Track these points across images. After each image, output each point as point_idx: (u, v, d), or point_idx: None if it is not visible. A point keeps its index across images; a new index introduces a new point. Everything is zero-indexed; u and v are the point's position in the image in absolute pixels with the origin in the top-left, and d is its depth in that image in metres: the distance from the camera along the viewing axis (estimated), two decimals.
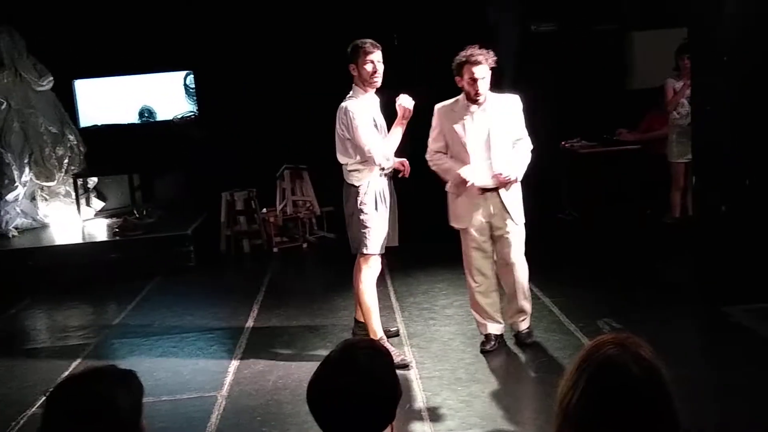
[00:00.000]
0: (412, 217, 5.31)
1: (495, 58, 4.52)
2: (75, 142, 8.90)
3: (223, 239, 8.33)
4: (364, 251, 4.72)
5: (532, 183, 5.00)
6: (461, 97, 4.65)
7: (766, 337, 4.82)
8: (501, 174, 4.54)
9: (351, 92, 4.69)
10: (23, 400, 4.62)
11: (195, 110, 9.42)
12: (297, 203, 8.42)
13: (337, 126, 4.66)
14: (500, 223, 4.69)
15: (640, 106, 8.20)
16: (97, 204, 9.20)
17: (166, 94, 9.44)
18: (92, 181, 9.13)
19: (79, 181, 8.80)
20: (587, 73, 8.47)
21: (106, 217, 8.93)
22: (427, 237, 6.47)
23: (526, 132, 4.76)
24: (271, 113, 8.99)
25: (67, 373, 4.84)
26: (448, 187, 4.77)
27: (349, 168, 4.69)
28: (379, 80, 4.61)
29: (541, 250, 6.82)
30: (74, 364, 5.16)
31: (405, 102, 4.65)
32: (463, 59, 4.51)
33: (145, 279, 7.21)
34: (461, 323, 5.43)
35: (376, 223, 4.68)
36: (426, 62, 7.96)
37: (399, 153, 4.84)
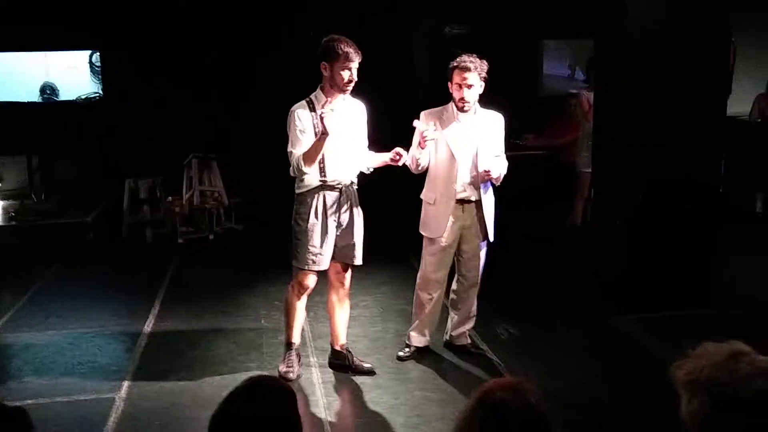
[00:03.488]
0: None
1: (486, 68, 4.49)
2: None
3: (126, 227, 8.14)
4: (293, 264, 4.52)
5: None
6: (449, 105, 4.59)
7: (647, 346, 5.10)
8: (488, 170, 4.46)
9: (314, 93, 4.38)
10: None
11: (100, 91, 9.11)
12: (205, 193, 8.29)
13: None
14: (472, 239, 4.70)
15: (546, 113, 8.46)
16: None
17: (71, 72, 9.09)
18: None
19: None
20: (499, 78, 8.64)
21: (2, 199, 8.57)
22: None
23: (503, 150, 4.74)
24: (179, 99, 8.82)
25: None
26: (423, 194, 4.72)
27: (293, 174, 4.42)
28: (351, 87, 4.32)
29: None
30: None
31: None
32: (455, 64, 4.48)
33: (42, 267, 6.98)
34: (365, 325, 5.51)
35: (307, 237, 4.40)
36: None
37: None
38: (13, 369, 4.94)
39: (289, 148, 4.32)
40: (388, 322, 5.60)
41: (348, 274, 4.66)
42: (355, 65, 4.27)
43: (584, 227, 7.40)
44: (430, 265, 4.76)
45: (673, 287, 5.56)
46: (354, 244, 4.54)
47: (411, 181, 5.00)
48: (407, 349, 4.93)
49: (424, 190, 4.73)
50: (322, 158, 4.31)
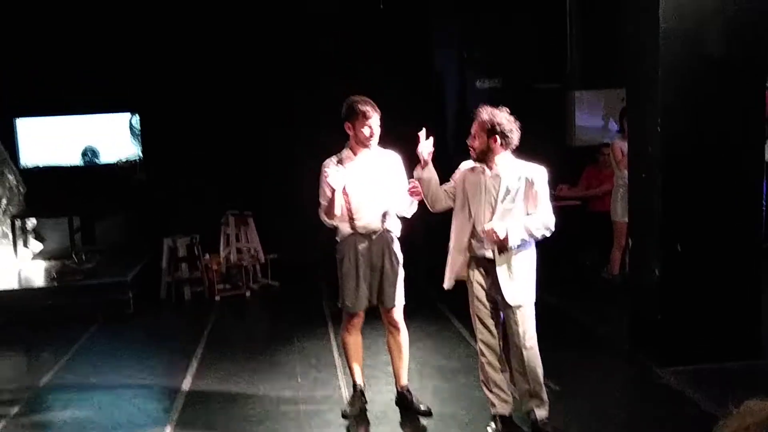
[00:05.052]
0: None
1: (495, 119, 4.15)
2: (14, 183, 8.75)
3: (164, 286, 8.22)
4: (338, 304, 4.85)
5: None
6: None
7: (692, 399, 4.96)
8: (490, 230, 4.05)
9: (343, 149, 4.65)
10: None
11: (139, 154, 9.34)
12: (241, 250, 8.38)
13: None
14: (501, 300, 4.26)
15: (579, 163, 8.43)
16: (36, 246, 9.01)
17: (111, 135, 9.35)
18: (31, 222, 8.96)
19: (18, 223, 8.63)
20: (529, 129, 8.68)
21: (45, 260, 8.75)
22: None
23: (548, 207, 4.24)
24: (216, 158, 9.00)
25: None
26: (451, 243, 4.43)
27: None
28: (375, 142, 4.57)
29: None
30: (3, 422, 4.98)
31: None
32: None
33: (83, 327, 7.07)
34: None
35: (342, 280, 4.71)
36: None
37: None
38: (53, 430, 4.97)
39: (320, 200, 4.65)
40: (425, 379, 5.52)
41: (396, 316, 4.77)
42: (374, 121, 4.54)
43: (622, 277, 7.29)
44: (475, 323, 4.42)
45: (717, 338, 5.43)
46: (389, 289, 4.69)
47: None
48: (493, 425, 4.43)
49: (450, 241, 4.47)
50: (350, 209, 4.58)
